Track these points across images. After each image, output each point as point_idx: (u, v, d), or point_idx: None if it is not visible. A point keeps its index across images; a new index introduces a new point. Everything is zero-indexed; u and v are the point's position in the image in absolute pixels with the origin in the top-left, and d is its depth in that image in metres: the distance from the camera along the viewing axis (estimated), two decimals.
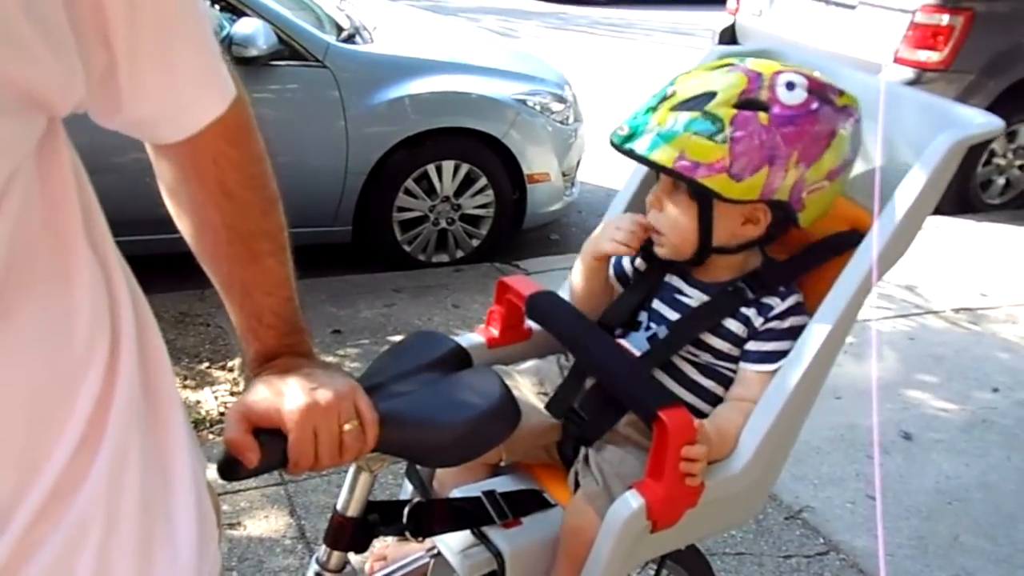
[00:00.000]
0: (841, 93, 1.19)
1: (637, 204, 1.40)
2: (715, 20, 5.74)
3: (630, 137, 1.16)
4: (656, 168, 1.16)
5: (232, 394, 2.56)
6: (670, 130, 1.13)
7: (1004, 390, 2.90)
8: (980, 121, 1.18)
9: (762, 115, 1.13)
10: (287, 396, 0.79)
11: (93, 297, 0.62)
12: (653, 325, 1.26)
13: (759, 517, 2.21)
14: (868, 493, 2.33)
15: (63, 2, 0.54)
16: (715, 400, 1.23)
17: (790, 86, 1.15)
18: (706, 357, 1.23)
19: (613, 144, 1.19)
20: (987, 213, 4.66)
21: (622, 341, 1.26)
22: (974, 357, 3.11)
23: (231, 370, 2.68)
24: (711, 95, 1.13)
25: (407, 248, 3.61)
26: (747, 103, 1.13)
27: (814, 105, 1.15)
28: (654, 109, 1.16)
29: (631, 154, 1.17)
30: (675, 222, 1.20)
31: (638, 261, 1.32)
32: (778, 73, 1.16)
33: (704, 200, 1.17)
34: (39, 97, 0.54)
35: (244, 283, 0.82)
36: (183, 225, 0.81)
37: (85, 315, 0.62)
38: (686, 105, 1.14)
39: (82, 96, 0.59)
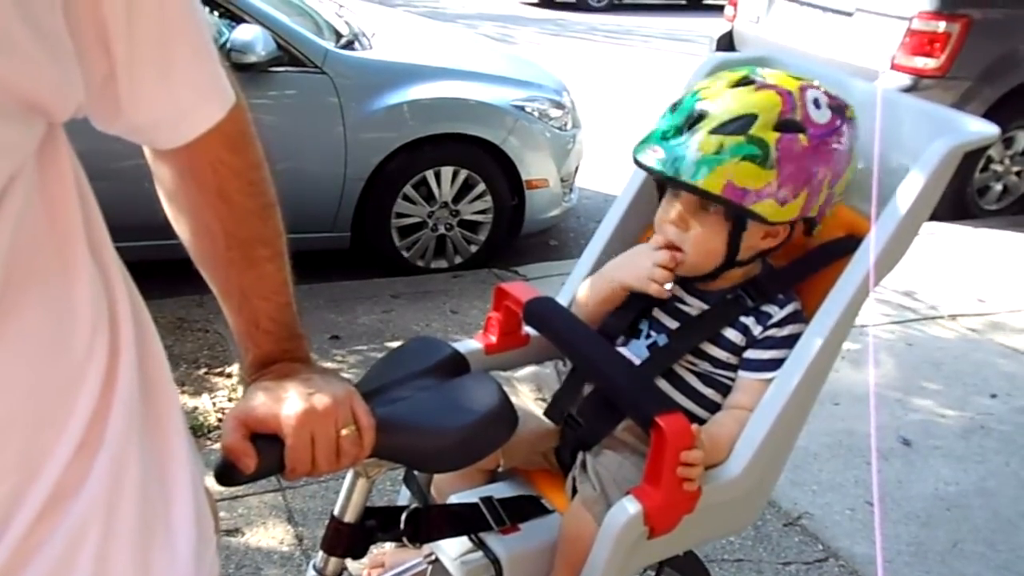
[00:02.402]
0: (847, 105, 1.20)
1: (635, 210, 1.40)
2: (713, 27, 5.76)
3: (671, 161, 1.12)
4: (701, 195, 1.14)
5: (230, 400, 2.55)
6: (716, 156, 1.11)
7: (1002, 396, 2.90)
8: (975, 127, 1.18)
9: (802, 137, 1.13)
10: (284, 402, 0.80)
11: (93, 300, 0.62)
12: (653, 333, 1.26)
13: (758, 524, 2.21)
14: (867, 499, 2.33)
15: (61, 8, 0.55)
16: (714, 407, 1.23)
17: (817, 104, 1.16)
18: (705, 366, 1.23)
19: (642, 165, 1.16)
20: (984, 219, 4.66)
21: (622, 349, 1.26)
22: (972, 363, 3.11)
23: (229, 376, 2.68)
24: (752, 117, 1.12)
25: (406, 254, 3.61)
26: (786, 125, 1.13)
27: (838, 122, 1.17)
28: (682, 130, 1.13)
29: (674, 181, 1.14)
30: (702, 242, 1.18)
31: None
32: (804, 89, 1.16)
33: (739, 221, 1.16)
34: (36, 102, 0.54)
35: (242, 288, 0.82)
36: (181, 230, 0.81)
37: (85, 318, 0.62)
38: (728, 128, 1.12)
39: (81, 101, 0.59)
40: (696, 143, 1.12)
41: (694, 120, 1.14)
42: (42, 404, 0.59)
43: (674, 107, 1.19)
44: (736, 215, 1.16)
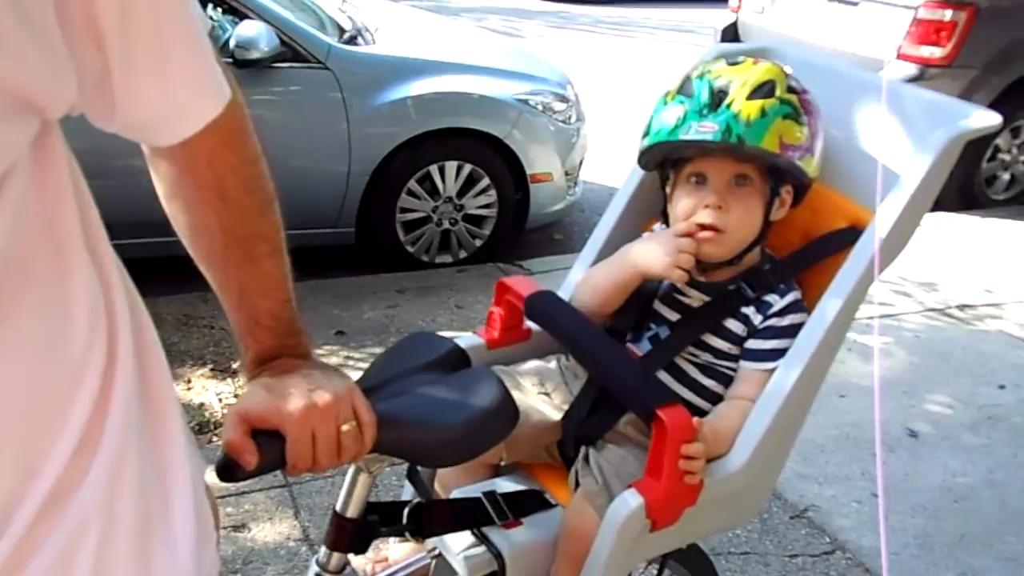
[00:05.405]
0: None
1: (636, 204, 1.40)
2: (717, 18, 5.73)
3: (728, 131, 1.12)
4: (761, 155, 1.14)
5: (235, 397, 2.56)
6: (764, 119, 1.13)
7: (1010, 387, 2.89)
8: (976, 117, 1.18)
9: (806, 97, 1.19)
10: (285, 398, 0.80)
11: (90, 300, 0.62)
12: (653, 326, 1.26)
13: (764, 516, 2.21)
14: (874, 491, 2.32)
15: (53, 5, 0.54)
16: (716, 399, 1.23)
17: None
18: (706, 357, 1.23)
19: (691, 142, 1.15)
20: (992, 209, 4.63)
21: (630, 345, 1.26)
22: (980, 354, 3.10)
23: (234, 373, 2.69)
24: (772, 82, 1.16)
25: (410, 249, 3.61)
26: (793, 88, 1.18)
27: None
28: (714, 105, 1.13)
29: (736, 148, 1.13)
30: (744, 218, 1.19)
31: None
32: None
33: (773, 190, 1.20)
34: (29, 99, 0.54)
35: (241, 285, 0.82)
36: (180, 228, 0.81)
37: (82, 318, 0.62)
38: (760, 93, 1.15)
39: (75, 99, 0.58)
40: (741, 110, 1.13)
41: (720, 94, 1.15)
42: (39, 406, 0.59)
43: (679, 91, 1.19)
44: (773, 183, 1.19)
